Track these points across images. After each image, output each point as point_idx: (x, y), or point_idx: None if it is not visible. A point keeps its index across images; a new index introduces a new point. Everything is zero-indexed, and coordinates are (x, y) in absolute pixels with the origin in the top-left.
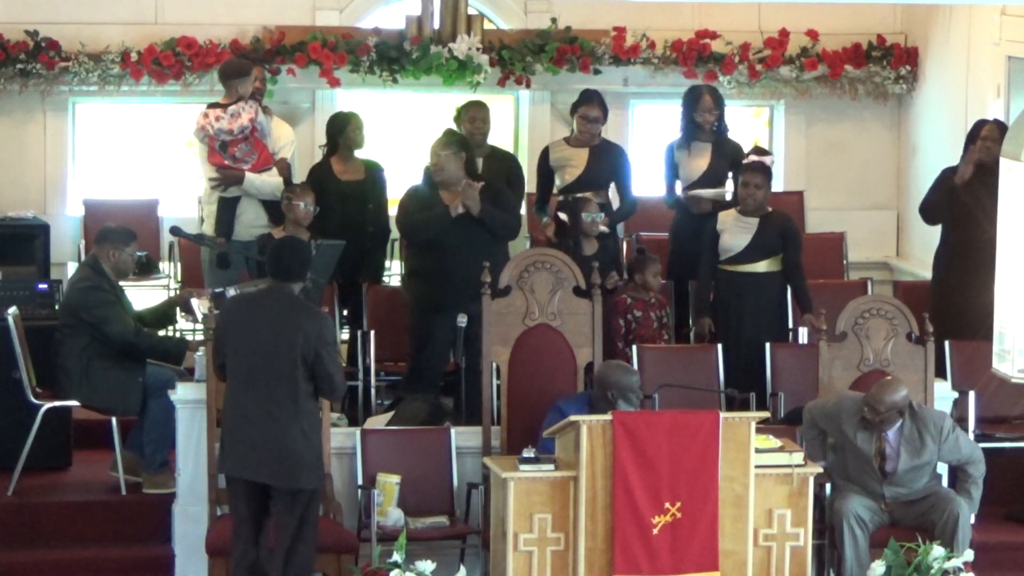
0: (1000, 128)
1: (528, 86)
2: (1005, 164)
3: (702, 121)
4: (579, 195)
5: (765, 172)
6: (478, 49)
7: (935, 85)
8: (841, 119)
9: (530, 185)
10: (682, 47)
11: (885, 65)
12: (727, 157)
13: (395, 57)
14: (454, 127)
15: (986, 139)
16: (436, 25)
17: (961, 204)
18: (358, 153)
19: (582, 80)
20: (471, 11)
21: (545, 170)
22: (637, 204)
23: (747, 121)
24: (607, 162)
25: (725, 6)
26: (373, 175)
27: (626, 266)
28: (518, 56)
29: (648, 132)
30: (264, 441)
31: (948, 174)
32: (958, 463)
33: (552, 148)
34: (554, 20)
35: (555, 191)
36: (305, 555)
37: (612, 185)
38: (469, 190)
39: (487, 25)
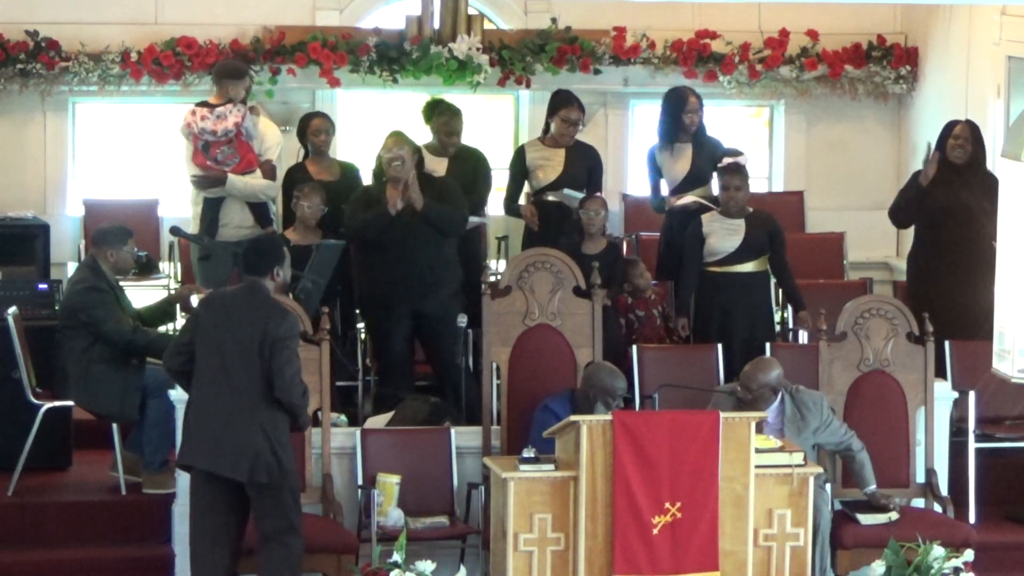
0: (971, 128)
1: (528, 86)
2: (1005, 164)
3: (689, 122)
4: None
5: (742, 172)
6: (478, 49)
7: (935, 85)
8: (841, 119)
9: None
10: (682, 47)
11: (885, 65)
12: (708, 156)
13: (395, 57)
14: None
15: (958, 138)
16: (436, 25)
17: (930, 204)
18: (338, 155)
19: (582, 80)
20: (471, 11)
21: (520, 169)
22: None
23: (747, 121)
24: (584, 163)
25: (725, 6)
26: (348, 176)
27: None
28: (518, 56)
29: (648, 132)
30: (221, 432)
31: (918, 177)
32: (836, 447)
33: (529, 148)
34: (554, 20)
35: (530, 191)
36: (280, 554)
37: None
38: (412, 184)
39: (487, 25)
